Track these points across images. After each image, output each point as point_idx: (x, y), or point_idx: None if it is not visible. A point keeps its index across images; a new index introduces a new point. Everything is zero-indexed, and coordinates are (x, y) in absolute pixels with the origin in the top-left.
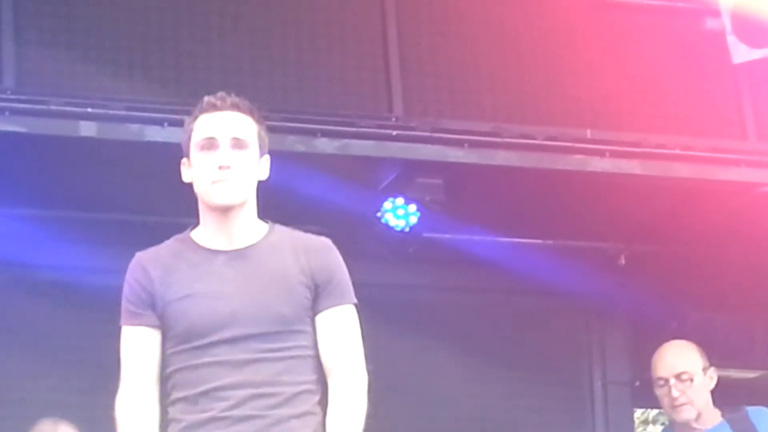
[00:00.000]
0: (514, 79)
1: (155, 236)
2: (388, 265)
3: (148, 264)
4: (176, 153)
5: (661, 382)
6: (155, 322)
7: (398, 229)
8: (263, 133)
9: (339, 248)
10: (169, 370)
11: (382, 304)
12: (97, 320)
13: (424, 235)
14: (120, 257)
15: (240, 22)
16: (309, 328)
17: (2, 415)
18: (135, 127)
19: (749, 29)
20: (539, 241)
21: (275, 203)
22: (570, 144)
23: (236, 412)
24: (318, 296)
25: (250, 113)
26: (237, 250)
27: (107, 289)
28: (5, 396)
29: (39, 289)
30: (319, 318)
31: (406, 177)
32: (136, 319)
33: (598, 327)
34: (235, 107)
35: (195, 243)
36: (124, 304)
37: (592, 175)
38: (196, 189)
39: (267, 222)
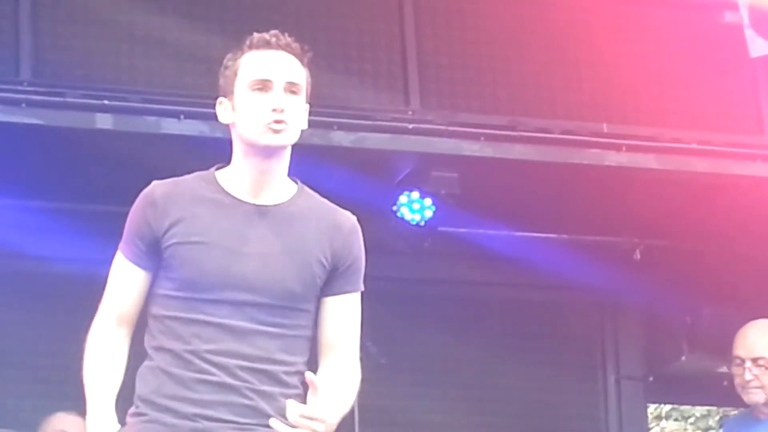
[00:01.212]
0: (531, 72)
1: None
2: (403, 259)
3: (163, 200)
4: (193, 145)
5: (738, 361)
6: (146, 264)
7: (414, 222)
8: (309, 79)
9: None
10: (160, 312)
11: (397, 297)
12: None
13: (440, 228)
14: None
15: (257, 15)
16: (312, 308)
17: (16, 407)
18: (151, 119)
19: (767, 23)
20: (554, 236)
21: None
22: (586, 138)
23: (229, 380)
24: (333, 278)
25: (301, 57)
26: (263, 206)
27: None
28: (14, 388)
29: (54, 282)
30: (329, 300)
31: (421, 170)
32: (130, 253)
33: (612, 322)
34: (288, 48)
35: (220, 186)
36: (126, 228)
37: (608, 170)
38: (239, 130)
39: (296, 182)
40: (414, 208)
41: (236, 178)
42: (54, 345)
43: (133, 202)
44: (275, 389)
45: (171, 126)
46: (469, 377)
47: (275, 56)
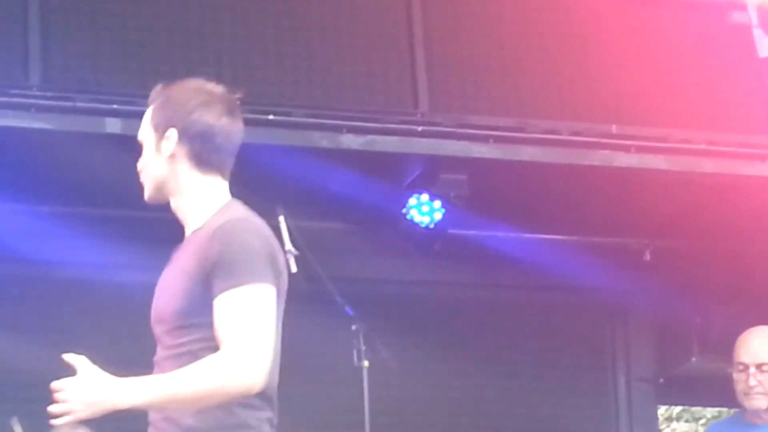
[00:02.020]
0: (540, 74)
1: (179, 233)
2: (412, 262)
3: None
4: None
5: (741, 367)
6: None
7: (423, 225)
8: (159, 109)
9: (364, 244)
10: None
11: (407, 300)
12: (122, 317)
13: (449, 231)
14: (144, 254)
15: (265, 19)
16: (208, 319)
17: (21, 411)
18: None
19: None
20: (564, 237)
21: (300, 200)
22: (595, 139)
23: (152, 416)
24: (210, 284)
25: (156, 98)
26: (188, 236)
27: (131, 285)
28: (25, 394)
29: (63, 286)
30: (213, 305)
31: (431, 173)
32: None
33: (623, 323)
34: (150, 102)
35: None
36: None
37: (618, 171)
38: None
39: (230, 201)
40: (423, 210)
41: None
42: (62, 349)
43: (141, 206)
44: (174, 413)
45: None
46: (480, 379)
47: None
